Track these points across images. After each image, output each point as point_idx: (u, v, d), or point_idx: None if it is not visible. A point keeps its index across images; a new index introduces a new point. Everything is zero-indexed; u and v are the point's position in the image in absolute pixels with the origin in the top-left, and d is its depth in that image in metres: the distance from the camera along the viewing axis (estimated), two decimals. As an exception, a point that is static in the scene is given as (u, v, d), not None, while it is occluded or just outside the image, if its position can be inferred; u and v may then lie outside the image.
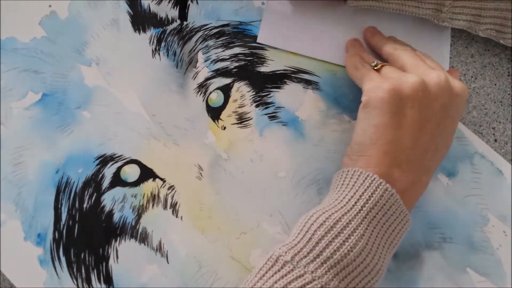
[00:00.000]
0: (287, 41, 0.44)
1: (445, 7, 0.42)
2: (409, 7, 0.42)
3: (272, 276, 0.30)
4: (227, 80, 0.42)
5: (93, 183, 0.39)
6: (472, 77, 0.45)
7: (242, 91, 0.42)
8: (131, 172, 0.40)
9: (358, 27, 0.45)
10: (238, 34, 0.43)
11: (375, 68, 0.39)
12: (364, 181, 0.34)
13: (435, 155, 0.37)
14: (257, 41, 0.43)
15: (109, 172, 0.40)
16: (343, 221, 0.32)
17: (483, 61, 0.45)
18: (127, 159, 0.40)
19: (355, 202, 0.33)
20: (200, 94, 0.42)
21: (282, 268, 0.31)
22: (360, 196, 0.33)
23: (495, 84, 0.45)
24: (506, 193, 0.42)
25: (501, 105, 0.45)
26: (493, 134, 0.44)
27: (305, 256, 0.31)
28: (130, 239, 0.39)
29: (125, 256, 0.38)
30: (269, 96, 0.43)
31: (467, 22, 0.43)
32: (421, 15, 0.42)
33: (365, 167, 0.35)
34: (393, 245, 0.34)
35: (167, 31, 0.43)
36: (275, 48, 0.44)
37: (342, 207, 0.33)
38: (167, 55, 0.42)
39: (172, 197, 0.40)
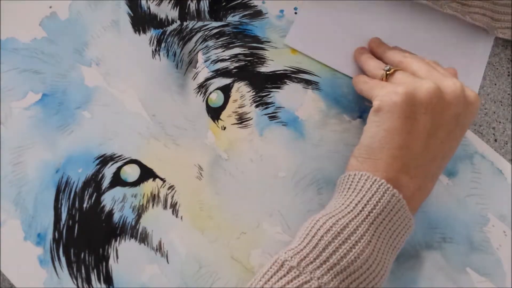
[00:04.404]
0: (314, 48, 0.45)
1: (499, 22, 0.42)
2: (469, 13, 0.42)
3: (278, 281, 0.31)
4: (227, 81, 0.43)
5: (93, 183, 0.40)
6: (472, 77, 0.46)
7: (242, 91, 0.43)
8: (131, 172, 0.40)
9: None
10: (238, 34, 0.44)
11: (388, 72, 0.38)
12: (371, 185, 0.34)
13: (443, 162, 0.37)
14: (285, 42, 0.44)
15: (109, 172, 0.40)
16: (350, 227, 0.33)
17: (483, 61, 0.46)
18: (127, 159, 0.41)
19: (362, 208, 0.33)
20: (200, 94, 0.43)
21: (288, 273, 0.31)
22: (368, 201, 0.34)
23: (495, 84, 0.46)
24: (506, 193, 0.43)
25: (501, 105, 0.45)
26: (493, 134, 0.44)
27: (312, 262, 0.31)
28: (130, 239, 0.39)
29: (125, 256, 0.39)
30: (269, 96, 0.43)
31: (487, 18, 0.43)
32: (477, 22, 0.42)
33: (372, 171, 0.35)
34: (396, 249, 0.35)
35: (167, 32, 0.44)
36: (302, 53, 0.45)
37: (349, 212, 0.33)
38: (167, 55, 0.43)
39: (172, 197, 0.40)
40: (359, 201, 0.34)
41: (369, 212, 0.33)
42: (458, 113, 0.36)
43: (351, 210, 0.33)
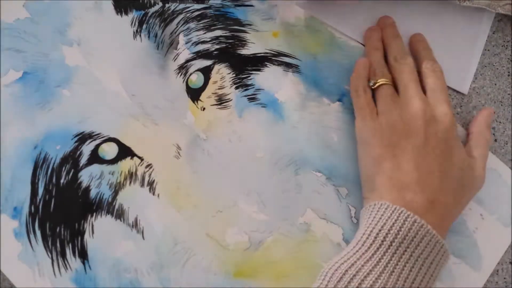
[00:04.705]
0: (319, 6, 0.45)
1: None
2: None
3: None
4: (207, 62, 0.44)
5: (71, 159, 0.40)
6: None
7: (222, 73, 0.44)
8: (109, 150, 0.41)
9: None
10: (220, 16, 0.45)
11: (373, 87, 0.41)
12: (377, 211, 0.36)
13: (443, 175, 0.37)
14: None
15: (87, 149, 0.41)
16: (369, 265, 0.34)
17: (483, 61, 0.46)
18: (106, 137, 0.41)
19: (384, 237, 0.34)
20: (181, 75, 0.43)
21: None
22: (382, 226, 0.35)
23: (495, 84, 0.46)
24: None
25: (501, 105, 0.46)
26: (493, 134, 0.45)
27: None
28: (106, 215, 0.40)
29: (100, 231, 0.39)
30: (249, 78, 0.44)
31: (487, 0, 0.42)
32: None
33: (378, 199, 0.37)
34: (431, 277, 0.35)
35: (149, 14, 0.45)
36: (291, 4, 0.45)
37: (363, 245, 0.35)
38: (148, 37, 0.44)
39: (150, 175, 0.41)
40: (371, 231, 0.35)
41: (391, 242, 0.34)
42: (431, 132, 0.38)
43: (365, 241, 0.35)
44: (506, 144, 0.45)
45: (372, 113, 0.39)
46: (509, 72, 0.47)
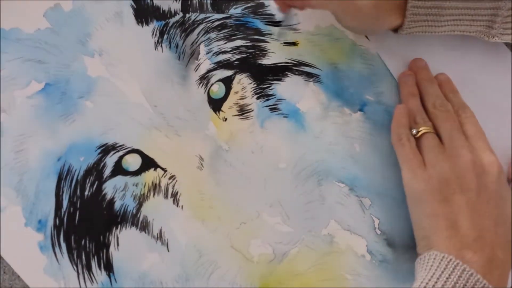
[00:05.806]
0: None
1: (496, 24, 0.40)
2: (461, 26, 0.40)
3: None
4: (228, 72, 0.44)
5: (95, 171, 0.40)
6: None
7: (243, 83, 0.44)
8: (132, 162, 0.41)
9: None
10: (240, 26, 0.45)
11: (416, 136, 0.39)
12: (440, 263, 0.34)
13: (499, 228, 0.36)
14: None
15: (110, 161, 0.41)
16: None
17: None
18: (129, 149, 0.41)
19: (433, 285, 0.33)
20: (202, 86, 0.43)
21: None
22: (437, 278, 0.33)
23: None
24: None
25: None
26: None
27: None
28: (131, 227, 0.40)
29: (125, 243, 0.39)
30: (270, 88, 0.44)
31: None
32: (472, 33, 0.41)
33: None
34: None
35: (170, 24, 0.45)
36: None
37: None
38: (170, 47, 0.44)
39: (173, 186, 0.41)
40: (429, 280, 0.34)
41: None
42: (481, 184, 0.37)
43: None
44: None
45: (420, 165, 0.38)
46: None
